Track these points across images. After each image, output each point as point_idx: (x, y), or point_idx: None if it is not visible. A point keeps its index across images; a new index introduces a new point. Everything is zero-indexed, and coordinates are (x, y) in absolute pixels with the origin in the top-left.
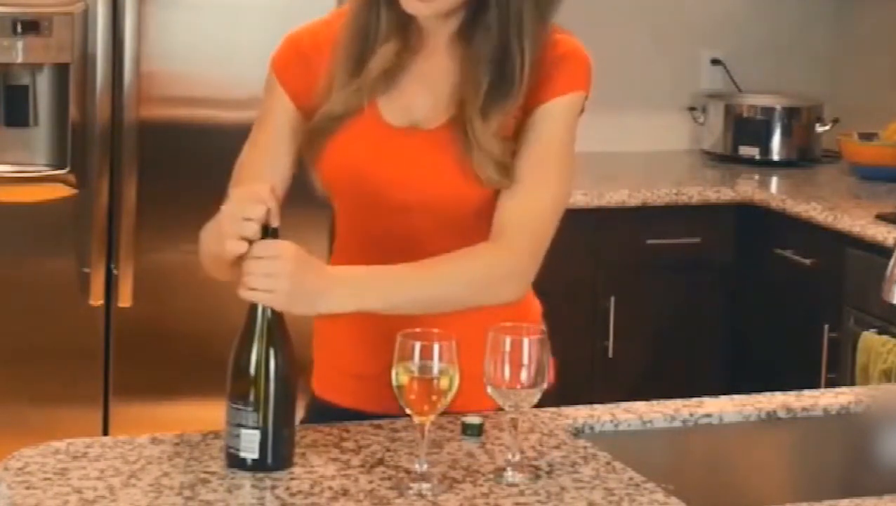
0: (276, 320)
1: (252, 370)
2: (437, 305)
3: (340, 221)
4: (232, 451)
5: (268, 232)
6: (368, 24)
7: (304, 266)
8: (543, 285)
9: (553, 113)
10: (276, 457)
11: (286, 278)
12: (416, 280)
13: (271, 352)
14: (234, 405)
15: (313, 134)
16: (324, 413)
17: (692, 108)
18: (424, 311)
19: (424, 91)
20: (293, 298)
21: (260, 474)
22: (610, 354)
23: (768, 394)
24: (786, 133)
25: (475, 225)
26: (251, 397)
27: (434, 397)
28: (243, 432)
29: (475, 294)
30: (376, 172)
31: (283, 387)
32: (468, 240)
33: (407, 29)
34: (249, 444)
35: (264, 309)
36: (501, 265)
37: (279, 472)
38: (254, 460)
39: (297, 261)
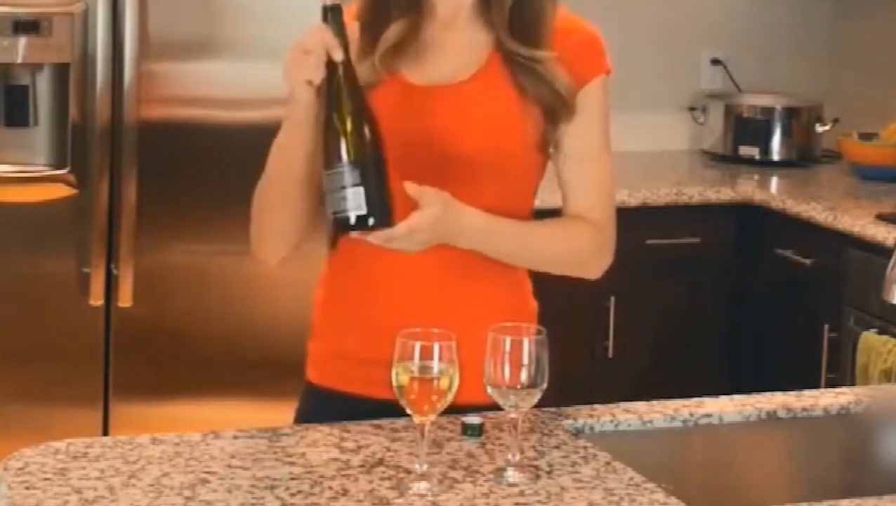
0: (355, 83)
1: (348, 127)
2: (542, 263)
3: None
4: (340, 215)
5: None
6: (378, 4)
7: (443, 219)
8: (543, 285)
9: (589, 98)
10: (383, 211)
11: (425, 238)
12: (537, 239)
13: (360, 112)
14: (335, 169)
15: None
16: (325, 401)
17: (692, 108)
18: (526, 265)
19: (445, 57)
20: (428, 243)
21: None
22: (610, 355)
23: (768, 394)
24: (786, 133)
25: (501, 181)
26: (352, 156)
27: (434, 397)
28: (350, 192)
29: (570, 264)
30: (407, 130)
31: (378, 142)
32: (495, 199)
33: (417, 3)
34: (356, 201)
35: (345, 72)
36: (594, 241)
37: (384, 227)
38: (360, 216)
39: (435, 218)
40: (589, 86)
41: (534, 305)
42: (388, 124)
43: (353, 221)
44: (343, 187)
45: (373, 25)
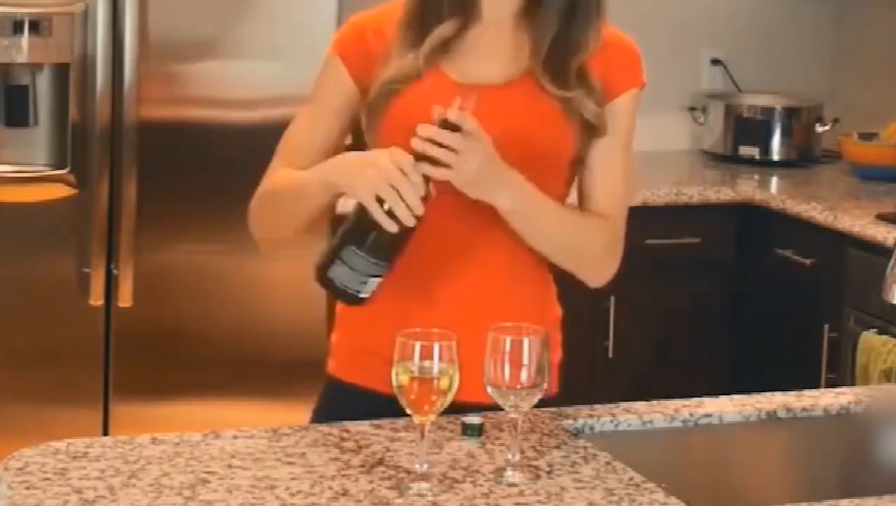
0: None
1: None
2: (563, 249)
3: None
4: (351, 291)
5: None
6: (429, 2)
7: (495, 157)
8: None
9: (618, 110)
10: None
11: (478, 161)
12: (564, 219)
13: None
14: (360, 253)
15: (373, 102)
16: (345, 394)
17: (692, 108)
18: (548, 247)
19: (487, 59)
20: (475, 182)
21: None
22: (610, 355)
23: (768, 394)
24: (786, 133)
25: (537, 184)
26: (383, 253)
27: (434, 397)
28: (372, 281)
29: (583, 256)
30: None
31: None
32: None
33: (468, 5)
34: (370, 288)
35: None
36: (608, 239)
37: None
38: (366, 298)
39: (491, 149)
40: (620, 98)
41: (557, 311)
42: (428, 119)
43: (359, 299)
44: (364, 273)
45: (420, 21)
